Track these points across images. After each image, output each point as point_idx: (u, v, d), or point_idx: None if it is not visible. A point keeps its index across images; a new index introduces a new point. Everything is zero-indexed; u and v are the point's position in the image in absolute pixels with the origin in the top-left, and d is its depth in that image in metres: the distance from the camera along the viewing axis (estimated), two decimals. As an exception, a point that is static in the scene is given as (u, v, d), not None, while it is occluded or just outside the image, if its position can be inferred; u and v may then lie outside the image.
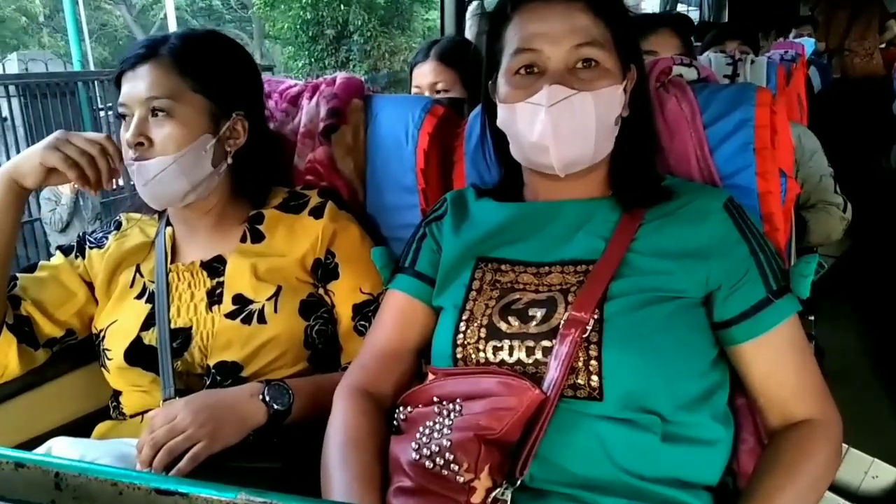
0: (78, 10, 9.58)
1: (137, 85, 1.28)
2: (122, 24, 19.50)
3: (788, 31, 3.73)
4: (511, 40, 1.14)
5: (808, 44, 4.20)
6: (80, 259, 1.45)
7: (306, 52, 13.79)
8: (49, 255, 1.48)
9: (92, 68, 10.35)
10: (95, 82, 8.37)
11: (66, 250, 1.46)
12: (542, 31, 1.11)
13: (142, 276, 1.41)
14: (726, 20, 4.55)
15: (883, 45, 3.67)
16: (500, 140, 1.22)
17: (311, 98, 1.59)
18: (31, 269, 1.42)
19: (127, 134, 1.27)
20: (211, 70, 1.32)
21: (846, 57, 3.55)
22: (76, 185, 1.32)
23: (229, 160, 1.36)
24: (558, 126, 1.09)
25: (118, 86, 1.31)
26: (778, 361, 1.07)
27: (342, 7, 13.29)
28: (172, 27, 12.58)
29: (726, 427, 1.10)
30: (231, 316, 1.33)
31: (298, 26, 13.45)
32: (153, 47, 1.30)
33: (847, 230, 2.26)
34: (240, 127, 1.36)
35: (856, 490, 1.19)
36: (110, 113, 8.59)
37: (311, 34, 13.55)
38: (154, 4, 19.25)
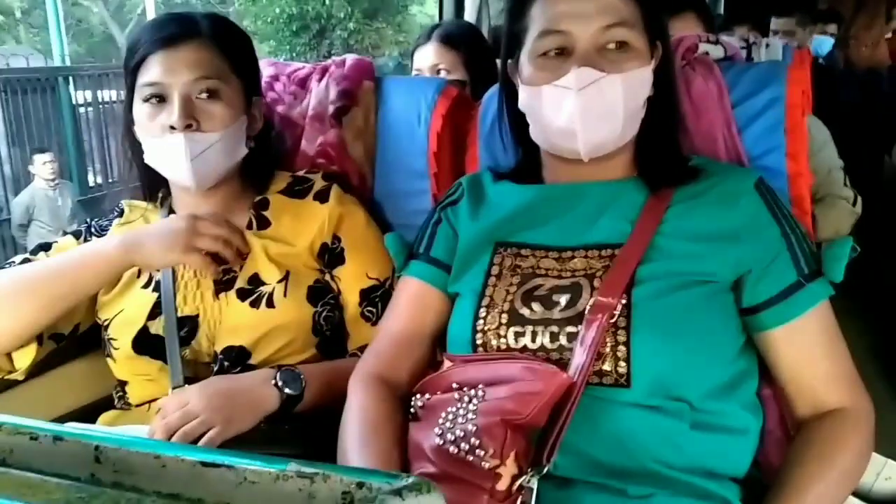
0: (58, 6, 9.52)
1: (179, 65, 1.24)
2: (98, 21, 19.28)
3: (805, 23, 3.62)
4: (537, 20, 1.11)
5: (827, 43, 4.12)
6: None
7: (287, 47, 13.75)
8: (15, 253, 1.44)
9: (68, 64, 10.31)
10: (75, 78, 8.31)
11: (76, 234, 1.42)
12: (570, 11, 1.07)
13: None
14: (721, 11, 4.52)
15: (889, 35, 3.64)
16: (519, 121, 1.19)
17: (319, 81, 1.56)
18: (47, 247, 1.38)
19: (173, 116, 1.23)
20: (243, 53, 1.34)
21: (852, 46, 3.52)
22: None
23: (252, 144, 1.36)
24: (587, 110, 1.06)
25: (136, 68, 1.27)
26: (809, 348, 1.05)
27: (325, 0, 13.27)
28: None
29: (755, 417, 1.08)
30: (241, 296, 1.30)
31: (282, 21, 13.43)
32: (190, 26, 1.28)
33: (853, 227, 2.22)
34: (257, 112, 1.38)
35: (868, 491, 1.17)
36: (90, 109, 8.54)
37: (293, 28, 13.53)
38: (130, 0, 19.06)
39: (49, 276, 1.26)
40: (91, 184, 8.42)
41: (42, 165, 6.83)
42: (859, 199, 2.20)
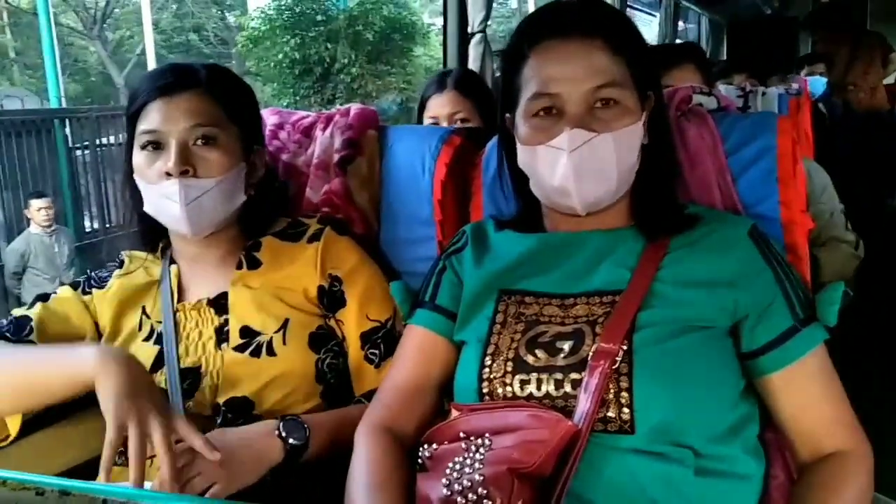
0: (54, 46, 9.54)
1: (176, 113, 1.26)
2: (95, 60, 19.38)
3: (789, 71, 3.73)
4: (529, 81, 1.13)
5: (820, 82, 4.22)
6: (88, 296, 1.41)
7: (291, 90, 13.70)
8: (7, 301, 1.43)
9: (65, 105, 10.29)
10: (71, 120, 8.26)
11: (74, 285, 1.42)
12: (560, 74, 1.10)
13: (148, 317, 1.37)
14: (724, 57, 4.60)
15: (892, 81, 3.72)
16: (518, 173, 1.21)
17: (324, 129, 1.59)
18: (45, 298, 1.38)
19: (169, 162, 1.24)
20: (241, 103, 1.35)
21: (850, 92, 3.59)
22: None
23: (252, 192, 1.37)
24: (580, 170, 1.09)
25: (135, 116, 1.29)
26: (807, 392, 1.07)
27: (328, 45, 13.23)
28: (151, 63, 12.52)
29: (758, 462, 1.09)
30: (239, 349, 1.30)
31: (285, 64, 13.37)
32: (188, 76, 1.29)
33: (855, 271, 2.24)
34: (258, 161, 1.38)
35: None
36: (86, 152, 8.51)
37: (297, 72, 13.47)
38: (129, 40, 19.18)
39: (21, 376, 1.21)
40: (87, 229, 8.28)
41: (38, 211, 6.68)
42: (861, 242, 2.21)
